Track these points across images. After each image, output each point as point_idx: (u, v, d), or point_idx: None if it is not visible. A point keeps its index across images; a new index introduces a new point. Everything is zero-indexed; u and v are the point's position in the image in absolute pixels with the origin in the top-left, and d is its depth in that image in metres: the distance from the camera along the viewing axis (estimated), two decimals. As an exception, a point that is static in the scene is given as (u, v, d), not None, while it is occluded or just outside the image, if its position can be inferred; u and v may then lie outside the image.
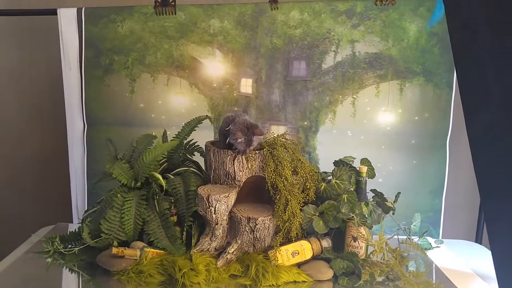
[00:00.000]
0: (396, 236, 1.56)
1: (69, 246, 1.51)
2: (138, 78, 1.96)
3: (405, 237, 1.57)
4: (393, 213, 1.51)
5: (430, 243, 1.67)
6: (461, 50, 0.77)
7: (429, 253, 1.60)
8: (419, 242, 1.63)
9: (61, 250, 1.48)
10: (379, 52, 1.88)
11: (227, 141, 1.42)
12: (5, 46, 2.26)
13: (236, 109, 1.94)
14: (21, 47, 2.25)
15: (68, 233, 1.57)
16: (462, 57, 0.77)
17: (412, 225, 1.60)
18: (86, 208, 1.94)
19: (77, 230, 1.57)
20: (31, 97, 2.29)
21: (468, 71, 0.77)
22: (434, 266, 1.52)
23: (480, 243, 1.91)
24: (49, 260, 1.46)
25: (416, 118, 1.91)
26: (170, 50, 1.93)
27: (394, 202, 1.52)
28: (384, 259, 1.44)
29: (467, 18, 0.76)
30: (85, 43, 1.96)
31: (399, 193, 1.55)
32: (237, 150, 1.42)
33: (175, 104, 1.97)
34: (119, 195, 1.45)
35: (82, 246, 1.47)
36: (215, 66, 1.94)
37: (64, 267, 1.43)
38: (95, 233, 1.45)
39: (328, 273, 1.37)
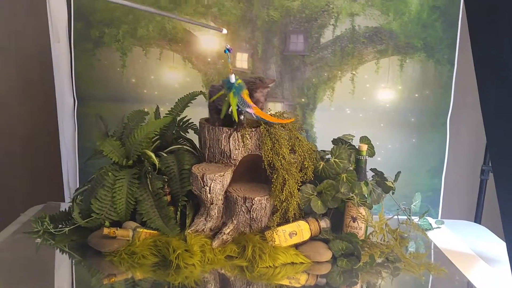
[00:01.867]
0: (396, 217, 1.53)
1: (60, 226, 1.46)
2: (130, 52, 1.88)
3: (405, 217, 1.53)
4: (393, 193, 1.48)
5: (431, 224, 1.64)
6: (478, 21, 0.71)
7: (429, 234, 1.57)
8: (419, 223, 1.60)
9: (51, 230, 1.43)
10: (379, 26, 1.82)
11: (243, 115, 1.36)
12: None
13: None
14: (6, 16, 2.15)
15: (58, 213, 1.51)
16: (479, 30, 0.71)
17: (412, 205, 1.57)
18: (78, 186, 1.89)
19: (67, 209, 1.52)
20: (18, 70, 2.19)
21: (485, 45, 0.72)
22: (434, 247, 1.49)
23: (480, 223, 1.88)
24: (39, 240, 1.41)
25: (416, 95, 1.86)
26: (163, 22, 1.85)
27: (394, 181, 1.48)
28: (384, 240, 1.41)
29: None
30: (74, 14, 1.86)
31: (399, 172, 1.51)
32: (235, 126, 1.36)
33: (168, 79, 1.90)
34: (110, 173, 1.40)
35: (72, 226, 1.42)
36: (209, 40, 1.86)
37: (55, 248, 1.38)
38: (86, 212, 1.40)
39: (327, 255, 1.34)
